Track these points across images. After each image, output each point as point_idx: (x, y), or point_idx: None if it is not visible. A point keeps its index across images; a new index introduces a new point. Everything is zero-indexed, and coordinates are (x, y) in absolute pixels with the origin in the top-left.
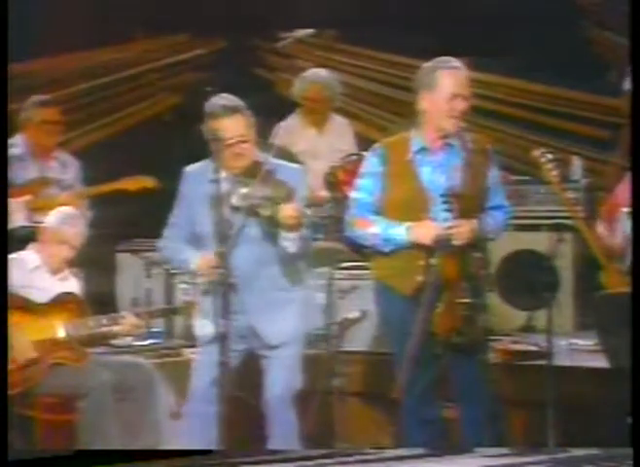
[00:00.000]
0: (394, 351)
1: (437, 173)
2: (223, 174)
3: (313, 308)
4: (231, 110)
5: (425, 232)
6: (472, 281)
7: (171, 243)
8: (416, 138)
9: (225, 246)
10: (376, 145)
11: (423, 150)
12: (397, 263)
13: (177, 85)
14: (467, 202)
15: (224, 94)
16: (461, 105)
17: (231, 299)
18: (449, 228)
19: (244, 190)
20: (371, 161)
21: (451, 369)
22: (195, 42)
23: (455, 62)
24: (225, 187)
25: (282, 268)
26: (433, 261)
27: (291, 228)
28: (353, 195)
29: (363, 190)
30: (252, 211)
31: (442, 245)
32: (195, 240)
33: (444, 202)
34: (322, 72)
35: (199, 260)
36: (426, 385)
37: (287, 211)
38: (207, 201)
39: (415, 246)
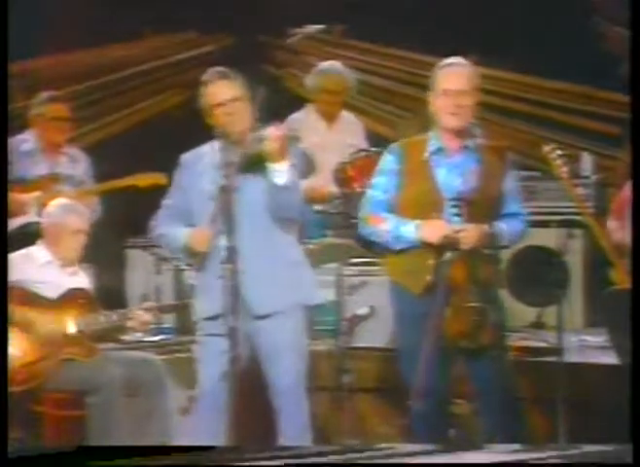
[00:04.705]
0: (403, 349)
1: (452, 175)
2: (216, 145)
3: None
4: (224, 75)
5: (433, 230)
6: (482, 284)
7: (164, 221)
8: (434, 139)
9: (222, 221)
10: (394, 144)
11: (440, 150)
12: (407, 261)
13: (186, 81)
14: (479, 207)
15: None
16: (459, 101)
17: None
18: (458, 231)
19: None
20: (387, 159)
21: (467, 366)
22: (203, 39)
23: (455, 60)
24: (219, 156)
25: (283, 234)
26: (442, 261)
27: (277, 155)
28: (368, 192)
29: (377, 187)
30: (246, 160)
31: (449, 246)
32: (189, 219)
33: (454, 206)
34: (337, 64)
35: (193, 233)
36: (443, 384)
37: (270, 134)
38: (203, 180)
39: (425, 245)
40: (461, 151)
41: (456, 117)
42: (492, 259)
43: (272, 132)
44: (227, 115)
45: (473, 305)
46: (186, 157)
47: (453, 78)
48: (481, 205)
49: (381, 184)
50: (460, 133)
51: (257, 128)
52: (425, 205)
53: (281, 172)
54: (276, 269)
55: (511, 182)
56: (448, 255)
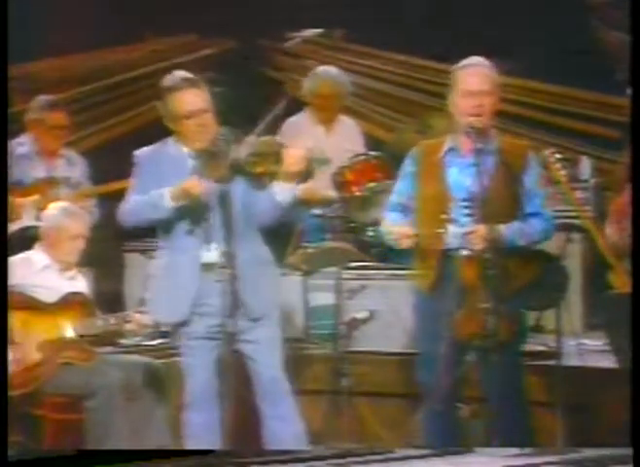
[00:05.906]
0: (419, 349)
1: (463, 175)
2: (184, 150)
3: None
4: (192, 83)
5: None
6: (494, 285)
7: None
8: (450, 140)
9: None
10: (414, 147)
11: (452, 150)
12: (417, 261)
13: None
14: (493, 208)
15: (180, 71)
16: (481, 102)
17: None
18: (467, 232)
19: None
20: (405, 162)
21: (477, 367)
22: (203, 42)
23: (475, 60)
24: (190, 163)
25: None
26: (449, 260)
27: (294, 174)
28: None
29: (395, 191)
30: (237, 172)
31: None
32: None
33: (464, 207)
34: (332, 69)
35: (183, 183)
36: (452, 386)
37: (291, 155)
38: (171, 181)
39: (428, 245)
40: (475, 151)
41: (478, 117)
42: (492, 262)
43: (291, 153)
44: (198, 126)
45: (485, 305)
46: (144, 155)
47: (474, 78)
48: (497, 206)
49: (398, 187)
50: (478, 133)
51: (253, 134)
52: (434, 205)
53: (286, 191)
54: (256, 271)
55: (531, 181)
56: (457, 255)
